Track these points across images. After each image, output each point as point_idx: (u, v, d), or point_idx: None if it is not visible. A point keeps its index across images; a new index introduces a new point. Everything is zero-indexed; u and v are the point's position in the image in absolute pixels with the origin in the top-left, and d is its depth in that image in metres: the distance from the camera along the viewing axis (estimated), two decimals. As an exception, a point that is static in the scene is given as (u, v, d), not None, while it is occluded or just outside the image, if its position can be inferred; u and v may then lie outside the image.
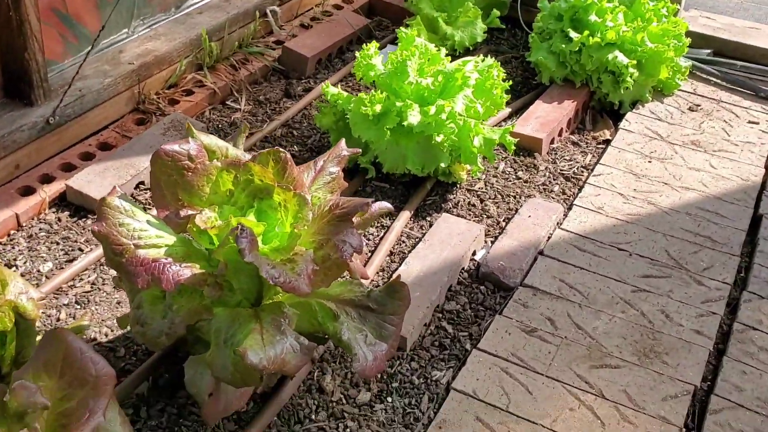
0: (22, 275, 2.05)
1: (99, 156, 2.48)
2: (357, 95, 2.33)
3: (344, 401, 1.77)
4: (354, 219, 1.62)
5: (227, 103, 2.86)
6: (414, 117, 2.23)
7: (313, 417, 1.73)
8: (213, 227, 1.53)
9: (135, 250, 1.51)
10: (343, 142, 1.89)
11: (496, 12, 3.15)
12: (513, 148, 2.36)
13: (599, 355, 1.88)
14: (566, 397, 1.76)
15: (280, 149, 1.61)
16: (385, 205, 1.85)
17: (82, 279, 2.07)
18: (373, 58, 2.38)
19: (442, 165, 2.28)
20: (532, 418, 1.71)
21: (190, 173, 1.55)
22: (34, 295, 1.70)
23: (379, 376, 1.82)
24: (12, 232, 2.20)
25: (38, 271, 2.08)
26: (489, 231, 2.30)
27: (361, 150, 1.88)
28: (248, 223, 1.53)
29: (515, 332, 1.93)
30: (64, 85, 2.44)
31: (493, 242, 2.24)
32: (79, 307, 1.99)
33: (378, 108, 2.25)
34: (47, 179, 2.35)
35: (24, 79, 2.34)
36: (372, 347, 1.61)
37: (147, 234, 1.55)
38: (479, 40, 3.05)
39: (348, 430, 1.70)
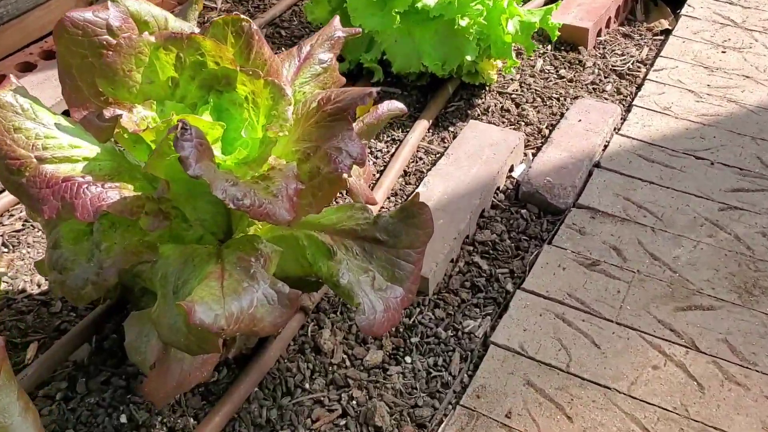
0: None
1: (41, 66, 2.01)
2: (356, -27, 1.82)
3: (348, 363, 1.33)
4: (354, 124, 1.15)
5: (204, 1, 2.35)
6: (430, -4, 1.73)
7: (307, 386, 1.29)
8: (147, 130, 1.06)
9: (38, 166, 1.05)
10: (336, 20, 1.40)
11: None
12: (557, 34, 1.85)
13: (685, 293, 1.41)
14: (647, 351, 1.31)
15: (242, 16, 1.13)
16: (396, 104, 1.38)
17: (12, 215, 1.62)
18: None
19: (468, 59, 1.78)
20: (602, 380, 1.27)
21: (111, 53, 1.08)
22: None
23: (392, 330, 1.38)
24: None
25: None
26: (529, 141, 1.82)
27: (360, 29, 1.39)
28: (197, 122, 1.06)
29: (571, 267, 1.47)
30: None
31: (534, 154, 1.77)
32: (7, 250, 1.55)
33: (383, -15, 1.75)
34: (-27, 95, 1.88)
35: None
36: (382, 293, 1.16)
37: (57, 143, 1.09)
38: None
39: (354, 402, 1.27)
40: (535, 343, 1.33)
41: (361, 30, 1.40)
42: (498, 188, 1.68)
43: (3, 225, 1.60)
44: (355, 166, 1.24)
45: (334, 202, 1.64)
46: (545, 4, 2.29)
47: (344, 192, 1.67)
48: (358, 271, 1.18)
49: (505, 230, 1.59)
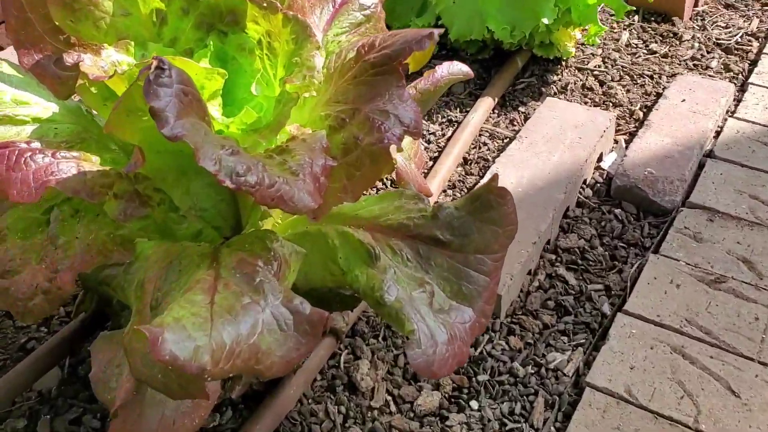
0: None
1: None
2: None
3: (393, 408, 0.99)
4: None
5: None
6: (498, -57, 1.39)
7: (338, 438, 0.96)
8: (116, 75, 0.75)
9: None
10: (383, -44, 1.07)
11: None
12: (654, -5, 1.50)
13: None
14: (807, 404, 0.95)
15: None
16: (459, 66, 1.07)
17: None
18: None
19: (545, 21, 1.43)
20: (747, 444, 0.91)
21: (68, -32, 0.76)
22: None
23: (454, 362, 1.03)
24: None
25: None
26: (619, 125, 1.47)
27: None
28: (186, 66, 0.74)
29: (688, 283, 1.11)
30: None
31: (628, 141, 1.41)
32: (-26, 250, 1.25)
33: (441, -68, 1.42)
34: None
35: None
36: (444, 317, 0.82)
37: None
38: None
39: (401, 461, 0.93)
40: (648, 387, 0.98)
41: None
42: (585, 181, 1.32)
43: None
44: (404, 143, 0.91)
45: (375, 191, 1.31)
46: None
47: (389, 178, 1.34)
48: (411, 284, 0.84)
49: (595, 234, 1.23)
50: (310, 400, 1.00)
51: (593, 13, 1.48)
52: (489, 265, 0.86)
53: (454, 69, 1.06)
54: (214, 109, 0.80)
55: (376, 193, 1.24)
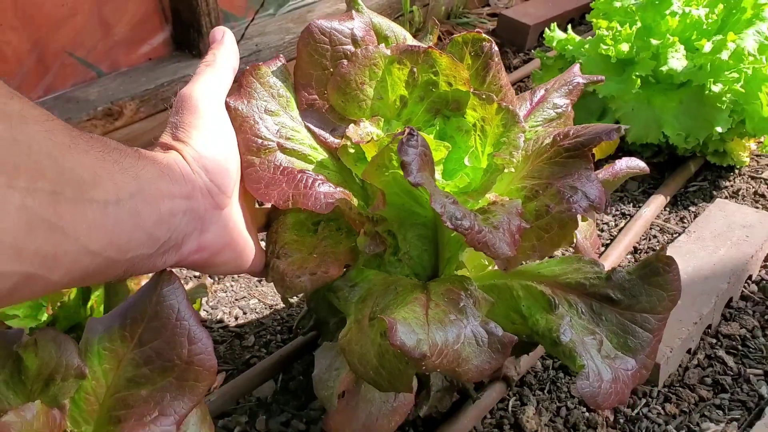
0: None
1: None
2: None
3: (554, 450, 1.12)
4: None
5: (427, 74, 2.37)
6: (677, 60, 1.56)
7: (504, 467, 1.10)
8: (371, 142, 0.99)
9: (277, 152, 0.99)
10: (576, 66, 1.28)
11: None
12: (833, 112, 1.58)
13: None
14: None
15: (483, 35, 1.05)
16: (637, 162, 1.22)
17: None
18: (618, -11, 1.75)
19: (719, 130, 1.57)
20: None
21: (346, 62, 1.03)
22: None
23: (612, 416, 1.15)
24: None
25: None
26: (788, 231, 1.54)
27: (603, 78, 1.26)
28: (424, 137, 0.97)
29: None
30: (243, 41, 2.10)
31: (797, 245, 1.48)
32: (212, 280, 1.55)
33: (624, 48, 1.61)
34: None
35: (194, 26, 2.02)
36: (609, 361, 0.96)
37: (299, 138, 1.04)
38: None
39: (558, 496, 1.05)
40: (802, 465, 1.04)
41: (603, 78, 1.27)
42: (750, 277, 1.41)
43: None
44: (582, 226, 1.09)
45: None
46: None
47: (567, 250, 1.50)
48: (583, 331, 0.99)
49: (758, 326, 1.31)
50: (480, 433, 1.16)
51: (767, 125, 1.59)
52: (653, 323, 0.99)
53: (632, 164, 1.22)
54: (437, 173, 1.03)
55: (562, 254, 1.41)
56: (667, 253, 1.43)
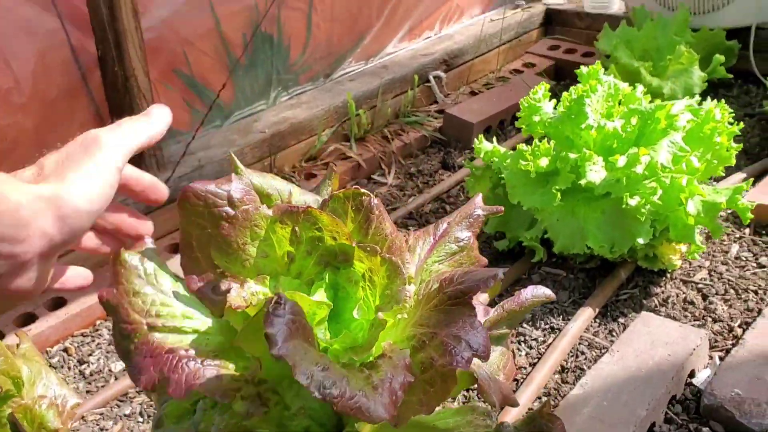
0: (90, 374, 1.66)
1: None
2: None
3: None
4: (489, 312, 1.02)
5: (373, 177, 2.41)
6: (595, 173, 1.58)
7: None
8: (251, 306, 1.00)
9: (148, 333, 1.00)
10: (478, 198, 1.29)
11: (719, 58, 2.42)
12: (749, 217, 1.59)
13: None
14: None
15: (363, 190, 1.06)
16: (542, 290, 1.21)
17: (152, 380, 1.62)
18: (541, 102, 1.79)
19: (640, 242, 1.57)
20: None
21: (227, 225, 1.04)
22: (69, 401, 1.28)
23: None
24: (98, 322, 1.83)
25: (109, 370, 1.67)
26: (716, 341, 1.53)
27: (503, 208, 1.26)
28: (301, 300, 0.97)
29: None
30: (186, 156, 2.13)
31: (722, 358, 1.47)
32: (142, 420, 1.53)
33: (544, 162, 1.64)
34: (148, 259, 1.99)
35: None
36: None
37: (170, 312, 1.05)
38: (696, 91, 2.33)
39: None
40: None
41: (502, 208, 1.27)
42: (674, 397, 1.39)
43: (143, 393, 1.60)
44: (494, 355, 1.09)
45: (452, 402, 1.45)
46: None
47: (473, 389, 1.48)
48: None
49: (680, 451, 1.29)
50: None
51: (691, 233, 1.59)
52: (543, 483, 0.97)
53: (537, 292, 1.22)
54: (321, 331, 1.02)
55: (460, 403, 1.40)
56: (589, 376, 1.42)
